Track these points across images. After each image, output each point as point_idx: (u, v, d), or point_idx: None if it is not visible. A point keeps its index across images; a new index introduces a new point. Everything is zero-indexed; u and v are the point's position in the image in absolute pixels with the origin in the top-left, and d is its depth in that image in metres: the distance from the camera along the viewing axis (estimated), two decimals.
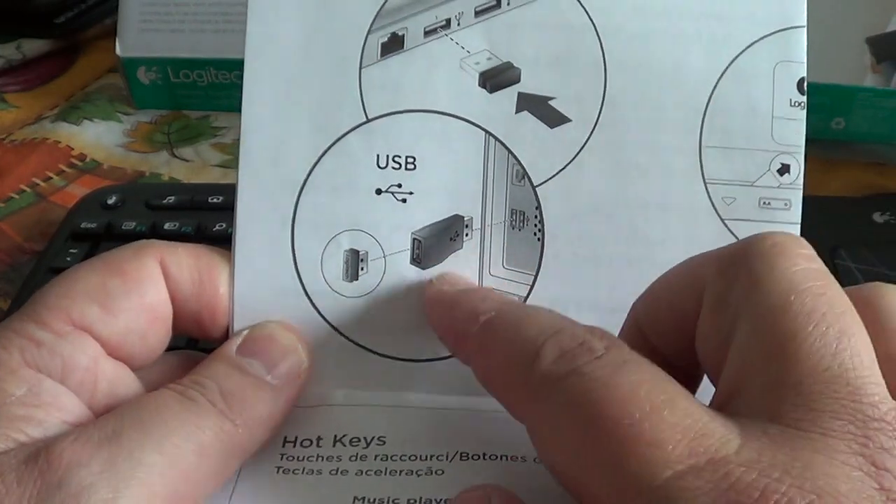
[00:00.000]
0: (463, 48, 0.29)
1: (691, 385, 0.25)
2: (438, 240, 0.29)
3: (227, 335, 0.28)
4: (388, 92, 0.29)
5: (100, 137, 0.58)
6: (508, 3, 0.29)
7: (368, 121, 0.29)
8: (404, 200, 0.29)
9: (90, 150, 0.57)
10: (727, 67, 0.29)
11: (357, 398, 0.29)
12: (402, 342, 0.29)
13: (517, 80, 0.29)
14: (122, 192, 0.48)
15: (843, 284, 0.22)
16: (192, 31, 0.58)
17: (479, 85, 0.29)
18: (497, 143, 0.29)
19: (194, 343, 0.34)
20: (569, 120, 0.29)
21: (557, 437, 0.21)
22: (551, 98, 0.29)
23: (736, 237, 0.29)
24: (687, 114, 0.29)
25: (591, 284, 0.29)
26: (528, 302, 0.29)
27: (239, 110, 0.29)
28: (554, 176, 0.29)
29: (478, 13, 0.29)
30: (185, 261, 0.28)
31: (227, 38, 0.57)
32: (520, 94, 0.29)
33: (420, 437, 0.27)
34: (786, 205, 0.29)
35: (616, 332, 0.28)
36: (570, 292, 0.29)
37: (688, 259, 0.25)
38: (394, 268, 0.29)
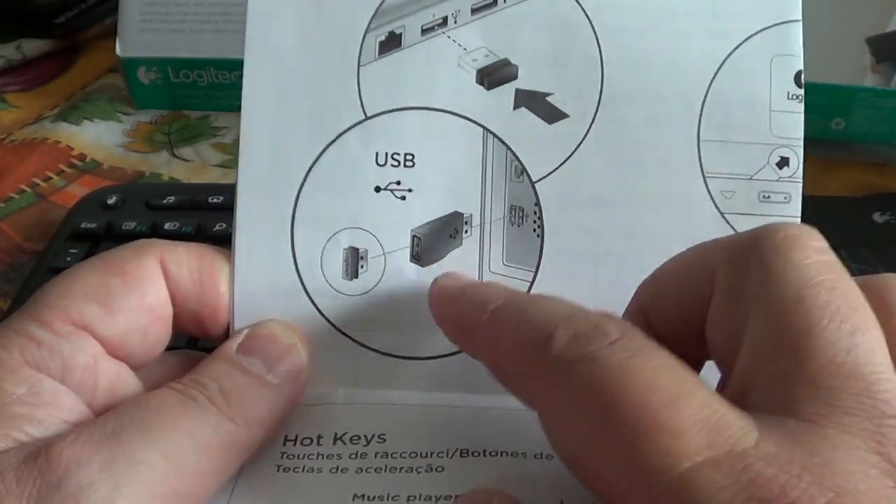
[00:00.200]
0: (460, 46, 0.29)
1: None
2: (438, 237, 0.29)
3: (227, 334, 0.28)
4: (387, 90, 0.29)
5: (100, 137, 0.58)
6: (505, 1, 0.29)
7: (367, 119, 0.29)
8: (403, 198, 0.29)
9: (90, 150, 0.57)
10: (724, 62, 0.29)
11: (357, 396, 0.29)
12: (403, 340, 0.29)
13: (514, 77, 0.29)
14: (122, 192, 0.48)
15: None
16: (192, 31, 0.58)
17: (477, 82, 0.29)
18: (495, 139, 0.29)
19: (194, 342, 0.34)
20: (566, 116, 0.29)
21: (570, 424, 0.21)
22: (549, 94, 0.29)
23: (735, 231, 0.29)
24: (684, 108, 0.29)
25: (591, 279, 0.29)
26: None
27: (239, 110, 0.29)
28: (552, 172, 0.29)
29: (474, 11, 0.29)
30: (185, 260, 0.28)
31: (227, 38, 0.57)
32: (517, 91, 0.29)
33: (420, 435, 0.27)
34: (785, 198, 0.29)
35: None
36: (570, 288, 0.29)
37: (696, 245, 0.25)
38: (393, 265, 0.29)
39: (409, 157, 0.29)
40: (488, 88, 0.29)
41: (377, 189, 0.29)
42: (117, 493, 0.22)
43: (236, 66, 0.56)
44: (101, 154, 0.57)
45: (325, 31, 0.29)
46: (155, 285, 0.27)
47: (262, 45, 0.29)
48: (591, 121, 0.29)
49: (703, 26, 0.29)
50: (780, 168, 0.29)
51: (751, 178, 0.29)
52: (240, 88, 0.29)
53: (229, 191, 0.37)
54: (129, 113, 0.61)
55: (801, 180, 0.29)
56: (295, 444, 0.27)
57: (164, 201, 0.47)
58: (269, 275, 0.29)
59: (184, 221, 0.45)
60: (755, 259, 0.22)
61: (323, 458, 0.27)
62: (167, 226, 0.45)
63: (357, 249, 0.29)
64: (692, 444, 0.18)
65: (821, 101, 0.51)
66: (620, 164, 0.29)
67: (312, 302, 0.29)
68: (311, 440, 0.27)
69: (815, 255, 0.22)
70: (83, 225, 0.45)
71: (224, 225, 0.44)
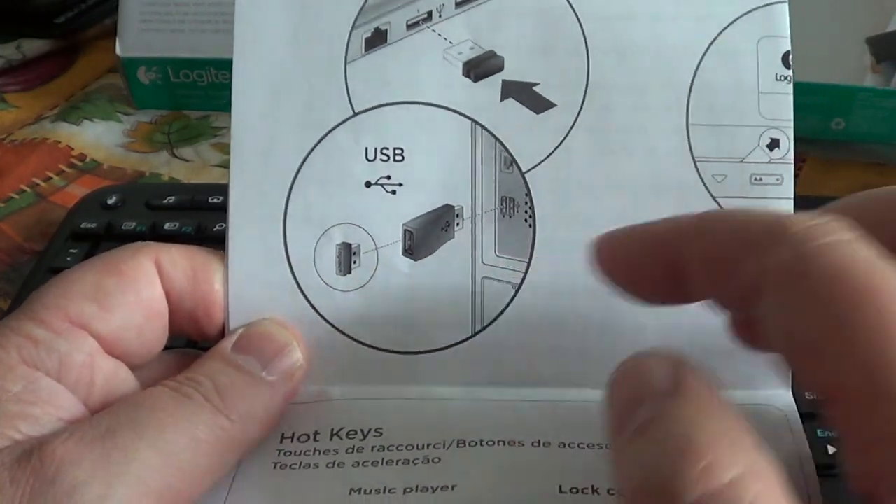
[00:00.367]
0: (445, 39, 0.29)
1: None
2: (430, 230, 0.29)
3: (223, 334, 0.29)
4: (374, 85, 0.29)
5: (100, 137, 0.58)
6: None
7: (355, 114, 0.29)
8: (394, 192, 0.29)
9: (90, 150, 0.57)
10: (710, 45, 0.29)
11: (354, 392, 0.29)
12: (397, 335, 0.29)
13: (501, 68, 0.29)
14: (122, 192, 0.48)
15: None
16: (192, 31, 0.58)
17: (464, 74, 0.29)
18: (484, 131, 0.29)
19: (193, 345, 0.34)
20: (554, 105, 0.29)
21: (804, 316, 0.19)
22: (535, 84, 0.29)
23: None
24: (672, 93, 0.29)
25: (584, 268, 0.29)
26: (523, 289, 0.29)
27: None
28: (542, 161, 0.29)
29: (458, 4, 0.29)
30: (180, 259, 0.28)
31: (227, 38, 0.56)
32: (504, 82, 0.29)
33: (417, 427, 0.27)
34: (777, 180, 0.29)
35: (613, 316, 0.28)
36: (563, 277, 0.29)
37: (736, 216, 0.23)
38: (386, 260, 0.29)
39: (398, 152, 0.29)
40: (475, 81, 0.29)
41: (368, 184, 0.29)
42: (111, 491, 0.22)
43: None
44: (101, 154, 0.57)
45: (311, 29, 0.29)
46: (150, 283, 0.27)
47: (250, 44, 0.29)
48: (578, 109, 0.29)
49: (688, 10, 0.29)
50: (771, 150, 0.28)
51: (742, 161, 0.29)
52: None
53: None
54: (129, 113, 0.61)
55: (792, 161, 0.28)
56: (292, 441, 0.27)
57: (164, 201, 0.47)
58: (263, 272, 0.29)
59: (184, 221, 0.45)
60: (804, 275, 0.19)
61: (320, 453, 0.27)
62: (167, 226, 0.45)
63: (350, 245, 0.29)
64: None
65: (821, 101, 0.50)
66: (610, 151, 0.29)
67: (306, 298, 0.29)
68: (308, 436, 0.27)
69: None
70: (83, 225, 0.45)
71: (224, 225, 0.44)
